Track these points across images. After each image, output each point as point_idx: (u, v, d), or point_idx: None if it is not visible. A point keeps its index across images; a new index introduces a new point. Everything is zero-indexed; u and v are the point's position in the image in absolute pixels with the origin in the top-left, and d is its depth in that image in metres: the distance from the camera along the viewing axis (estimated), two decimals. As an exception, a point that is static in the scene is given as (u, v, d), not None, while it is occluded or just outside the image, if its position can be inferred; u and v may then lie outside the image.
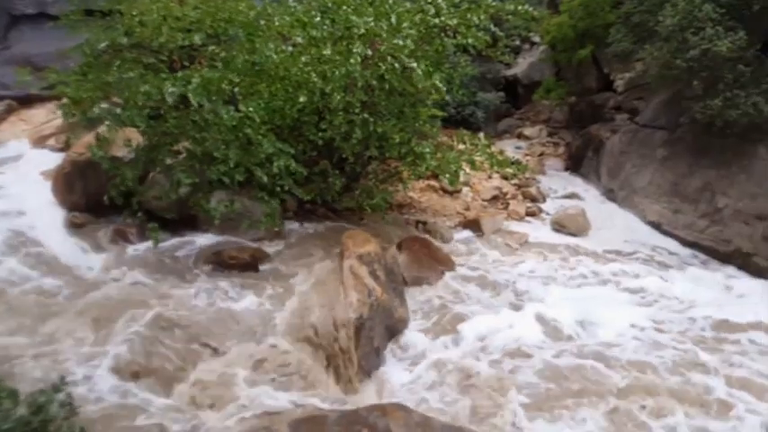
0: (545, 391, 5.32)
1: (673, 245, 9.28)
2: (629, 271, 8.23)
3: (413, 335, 6.01)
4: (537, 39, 16.05)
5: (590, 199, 11.50)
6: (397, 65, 6.39)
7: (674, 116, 9.65)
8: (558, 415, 5.03)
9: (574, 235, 9.54)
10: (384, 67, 6.40)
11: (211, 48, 6.35)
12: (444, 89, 6.67)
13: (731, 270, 8.38)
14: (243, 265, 5.82)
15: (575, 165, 13.22)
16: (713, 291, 7.77)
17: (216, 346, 4.94)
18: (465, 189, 10.41)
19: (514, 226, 9.67)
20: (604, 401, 5.22)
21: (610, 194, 11.35)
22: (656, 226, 9.78)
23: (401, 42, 6.33)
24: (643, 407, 5.17)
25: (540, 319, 6.58)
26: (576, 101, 13.63)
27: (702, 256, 8.87)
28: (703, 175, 9.17)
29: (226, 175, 5.68)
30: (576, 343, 6.21)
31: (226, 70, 5.99)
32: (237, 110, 5.78)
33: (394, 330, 5.93)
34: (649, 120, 10.69)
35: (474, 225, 9.12)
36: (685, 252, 9.06)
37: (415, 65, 6.24)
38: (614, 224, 10.13)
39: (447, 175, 7.22)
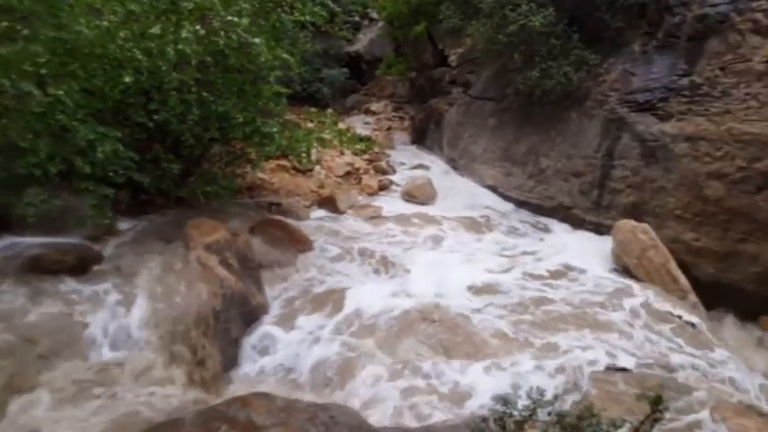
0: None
1: (507, 205, 10.24)
2: (474, 230, 8.96)
3: (273, 320, 5.89)
4: (375, 15, 16.36)
5: (435, 169, 12.19)
6: (234, 37, 6.07)
7: (500, 88, 10.47)
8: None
9: (423, 204, 10.06)
10: (222, 42, 6.04)
11: (4, 23, 5.44)
12: (292, 61, 6.47)
13: (553, 221, 9.46)
14: (69, 269, 5.15)
15: (420, 137, 13.88)
16: (538, 240, 8.72)
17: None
18: (317, 167, 10.39)
19: (368, 200, 9.92)
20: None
21: (452, 164, 12.10)
22: (493, 189, 10.69)
23: (235, 19, 6.00)
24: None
25: (406, 285, 6.82)
26: (416, 76, 14.21)
27: (532, 213, 9.87)
28: (528, 141, 10.12)
29: (38, 168, 4.97)
30: (446, 302, 6.48)
31: (27, 48, 5.19)
32: (47, 94, 5.06)
33: (253, 318, 5.75)
34: (480, 92, 11.50)
35: (329, 202, 9.15)
36: (517, 209, 10.03)
37: (257, 40, 5.96)
38: (458, 191, 10.89)
39: (298, 155, 7.07)
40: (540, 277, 7.41)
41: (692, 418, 4.94)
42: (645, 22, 8.62)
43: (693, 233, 7.79)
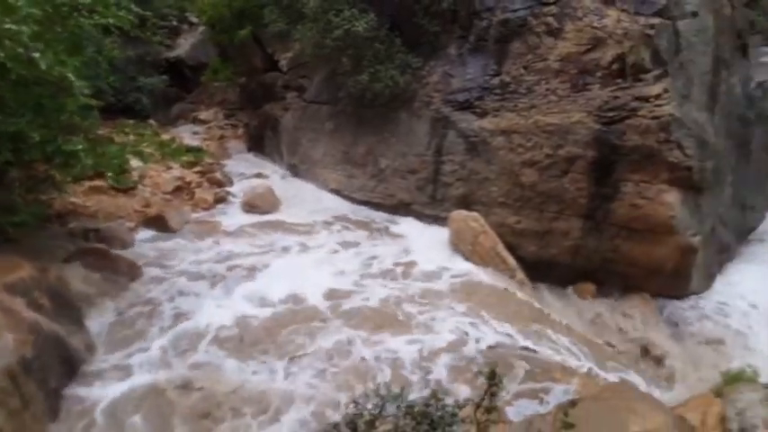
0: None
1: (352, 207, 10.35)
2: (322, 236, 8.90)
3: (99, 364, 5.21)
4: (195, 19, 15.52)
5: (276, 176, 11.91)
6: (21, 50, 5.23)
7: (333, 91, 10.55)
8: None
9: (266, 213, 9.75)
10: (3, 54, 5.17)
11: None
12: (77, 81, 5.70)
13: (396, 218, 9.78)
14: None
15: (256, 145, 13.45)
16: (384, 237, 8.99)
17: None
18: (141, 185, 9.50)
19: (205, 215, 9.34)
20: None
21: (293, 170, 11.92)
22: (338, 192, 10.75)
23: (14, 27, 5.16)
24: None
25: (250, 298, 6.58)
26: (246, 81, 13.73)
27: (376, 211, 10.09)
28: (366, 142, 10.34)
29: None
30: (298, 307, 6.39)
31: None
32: None
33: (74, 363, 5.03)
34: (314, 96, 11.48)
35: (159, 222, 8.43)
36: (362, 210, 10.19)
37: (37, 54, 5.19)
38: (302, 197, 10.75)
39: (111, 173, 6.35)
40: (389, 272, 7.62)
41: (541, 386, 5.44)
42: (458, 27, 9.28)
43: (516, 217, 8.59)
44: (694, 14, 7.90)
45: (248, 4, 11.76)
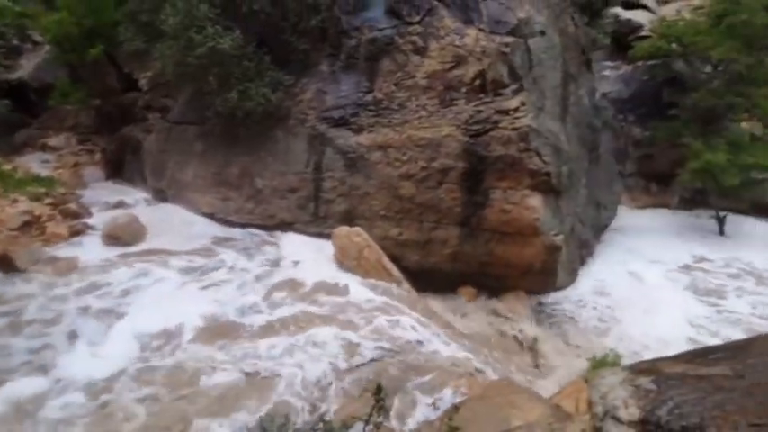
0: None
1: (229, 230, 9.87)
2: (197, 263, 8.37)
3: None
4: (40, 37, 14.05)
5: (141, 203, 11.05)
6: None
7: (200, 111, 10.06)
8: None
9: (130, 244, 8.95)
10: None
11: None
12: None
13: (278, 238, 9.48)
14: None
15: (116, 171, 12.42)
16: (266, 259, 8.70)
17: None
18: (-20, 222, 8.32)
19: (59, 250, 8.38)
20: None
21: (160, 195, 11.16)
22: (212, 216, 10.20)
23: None
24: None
25: (131, 336, 6.09)
26: (101, 103, 12.66)
27: (256, 234, 9.73)
28: (240, 163, 9.96)
29: None
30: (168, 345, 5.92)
31: None
32: None
33: None
34: (180, 116, 10.87)
35: (4, 262, 7.41)
36: (241, 233, 9.77)
37: None
38: (171, 224, 10.03)
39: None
40: (272, 293, 7.38)
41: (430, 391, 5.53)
42: (328, 45, 9.31)
43: (398, 229, 8.76)
44: (543, 33, 8.66)
45: (99, 22, 10.87)
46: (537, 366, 7.62)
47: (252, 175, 9.83)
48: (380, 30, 8.86)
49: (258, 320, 6.69)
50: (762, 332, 8.70)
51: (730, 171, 11.10)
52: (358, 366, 6.14)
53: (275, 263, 8.60)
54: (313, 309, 7.06)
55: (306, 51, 9.32)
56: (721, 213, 12.33)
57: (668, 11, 14.96)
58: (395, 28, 8.78)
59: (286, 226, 9.54)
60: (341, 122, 8.99)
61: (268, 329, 6.48)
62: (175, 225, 10.01)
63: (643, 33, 13.66)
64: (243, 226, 9.90)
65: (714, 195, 12.11)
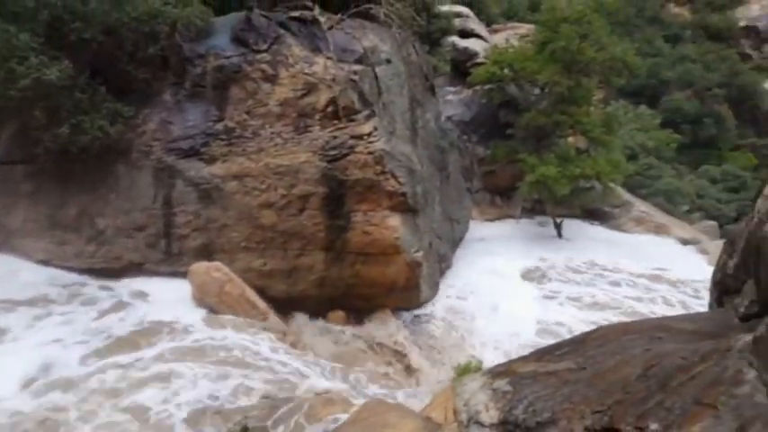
0: None
1: (69, 277, 8.86)
2: (28, 319, 7.45)
3: None
4: None
5: (-41, 256, 9.55)
6: None
7: (28, 148, 8.99)
8: None
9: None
10: None
11: None
12: None
13: (126, 281, 8.72)
14: None
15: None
16: (115, 306, 7.97)
17: None
18: None
19: None
20: None
21: (-17, 243, 9.73)
22: (47, 263, 9.09)
23: None
24: None
25: None
26: None
27: (101, 279, 8.86)
28: (78, 202, 9.06)
29: None
30: None
31: None
32: None
33: None
34: (3, 155, 9.62)
35: None
36: (83, 279, 8.82)
37: None
38: (-1, 275, 8.80)
39: None
40: (121, 344, 6.83)
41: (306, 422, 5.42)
42: (171, 73, 8.90)
43: (261, 259, 8.56)
44: (389, 61, 9.11)
45: None
46: (407, 381, 7.83)
47: (92, 215, 8.97)
48: (227, 57, 8.69)
49: (110, 377, 6.10)
50: (604, 315, 9.85)
51: (561, 182, 12.46)
52: (222, 406, 5.86)
53: (122, 309, 7.91)
54: (168, 350, 6.66)
55: (146, 81, 8.80)
56: (558, 220, 13.75)
57: (499, 39, 16.54)
58: (242, 56, 8.67)
59: (134, 267, 8.82)
60: (191, 153, 8.60)
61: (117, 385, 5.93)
62: (4, 276, 8.78)
63: (479, 60, 14.92)
64: (84, 271, 8.95)
65: (550, 204, 13.48)
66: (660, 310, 9.96)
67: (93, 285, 8.65)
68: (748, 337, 2.96)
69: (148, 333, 7.22)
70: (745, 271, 3.48)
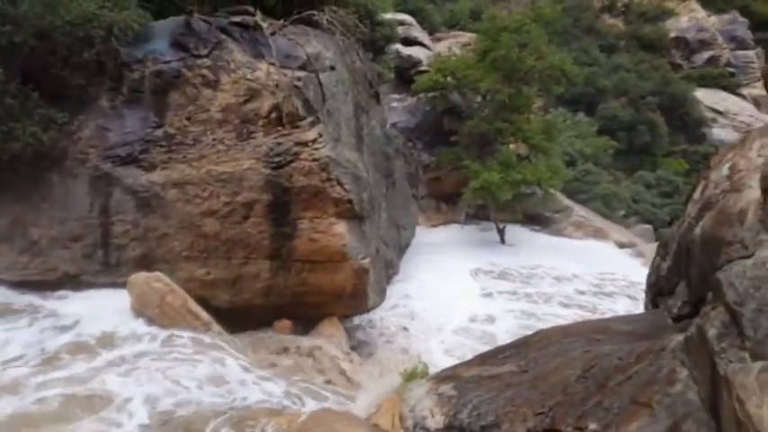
0: None
1: (2, 291, 8.44)
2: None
3: None
4: None
5: None
6: None
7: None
8: None
9: None
10: None
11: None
12: None
13: (62, 293, 8.37)
14: None
15: None
16: (48, 321, 7.64)
17: None
18: None
19: None
20: None
21: None
22: (-24, 276, 8.61)
23: None
24: None
25: None
26: None
27: (35, 291, 8.46)
28: (10, 211, 8.64)
29: None
30: None
31: None
32: None
33: None
34: (-76, 162, 9.06)
35: None
36: (15, 292, 8.40)
37: None
38: None
39: None
40: (49, 361, 6.55)
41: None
42: (107, 79, 8.61)
43: (204, 269, 8.39)
44: (332, 68, 9.13)
45: None
46: (353, 389, 7.83)
47: (25, 225, 8.57)
48: (166, 62, 8.49)
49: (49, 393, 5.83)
50: (539, 316, 10.19)
51: (504, 187, 12.85)
52: (164, 423, 5.71)
53: (57, 322, 7.59)
54: (104, 362, 6.46)
55: (82, 86, 8.49)
56: (501, 225, 14.15)
57: (441, 47, 16.90)
58: (181, 61, 8.49)
59: (71, 279, 8.47)
60: (129, 160, 8.36)
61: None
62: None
63: (422, 68, 15.22)
64: (17, 284, 8.53)
65: (493, 210, 13.86)
66: (600, 312, 10.42)
67: (25, 298, 8.27)
68: (681, 337, 3.13)
69: (84, 346, 6.95)
70: (677, 273, 3.68)
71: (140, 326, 7.50)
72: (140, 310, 7.69)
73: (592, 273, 12.54)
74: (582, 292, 11.59)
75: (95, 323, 7.55)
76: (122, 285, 8.00)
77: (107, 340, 7.18)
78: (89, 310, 7.86)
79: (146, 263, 8.28)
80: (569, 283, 12.00)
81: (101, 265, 8.44)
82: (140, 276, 7.86)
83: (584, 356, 3.63)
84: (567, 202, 16.40)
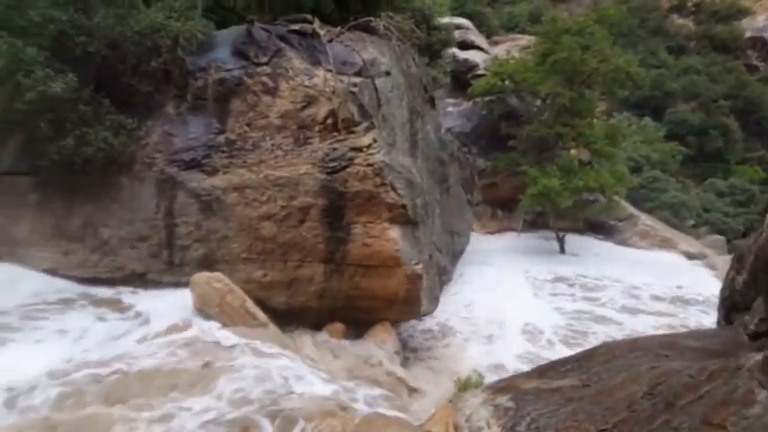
0: None
1: (74, 287, 8.92)
2: (28, 327, 7.47)
3: None
4: None
5: (-33, 264, 9.66)
6: None
7: (33, 160, 9.11)
8: None
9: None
10: None
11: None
12: None
13: (129, 290, 8.77)
14: None
15: (-66, 230, 10.79)
16: (119, 316, 8.01)
17: None
18: None
19: None
20: None
21: (-11, 254, 9.83)
22: (53, 272, 9.17)
23: None
24: None
25: None
26: None
27: (106, 288, 8.91)
28: (82, 212, 9.15)
29: None
30: None
31: None
32: None
33: None
34: (10, 167, 9.74)
35: None
36: (88, 289, 8.87)
37: None
38: (4, 284, 8.83)
39: None
40: (131, 347, 6.89)
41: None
42: (173, 86, 9.00)
43: (261, 270, 8.57)
44: (388, 73, 9.17)
45: None
46: (405, 395, 7.78)
47: (96, 225, 9.06)
48: (228, 70, 8.78)
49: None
50: (599, 329, 9.79)
51: (564, 194, 12.46)
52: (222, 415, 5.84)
53: (125, 317, 7.96)
54: (174, 359, 6.63)
55: (149, 93, 8.91)
56: (560, 233, 13.71)
57: (499, 50, 16.66)
58: (243, 69, 8.76)
59: (138, 277, 8.88)
60: (192, 165, 8.67)
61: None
62: (10, 285, 8.86)
63: (479, 72, 15.02)
64: (88, 281, 9.03)
65: (552, 217, 13.46)
66: (668, 327, 9.90)
67: (96, 294, 8.73)
68: (759, 356, 2.91)
69: (151, 342, 7.21)
70: (754, 288, 3.43)
71: (201, 322, 7.72)
72: (202, 309, 7.92)
73: (659, 284, 11.93)
74: (648, 305, 11.06)
75: (158, 320, 7.84)
76: (185, 284, 8.27)
77: (170, 335, 7.41)
78: (154, 307, 8.19)
79: (207, 263, 8.55)
80: (635, 294, 11.47)
81: (165, 264, 8.79)
82: (202, 276, 8.11)
83: (652, 373, 3.45)
84: (631, 210, 15.73)
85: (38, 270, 9.26)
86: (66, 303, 8.35)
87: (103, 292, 8.78)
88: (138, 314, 8.01)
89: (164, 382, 6.21)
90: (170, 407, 5.81)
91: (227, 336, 7.36)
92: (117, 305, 8.38)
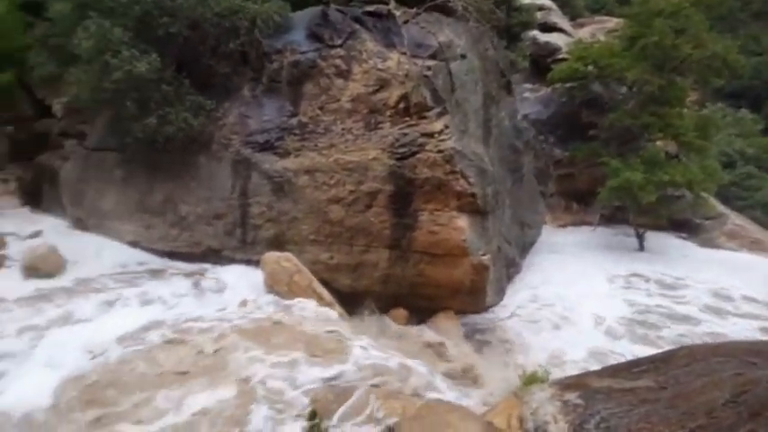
0: None
1: (154, 259, 9.46)
2: (121, 294, 7.94)
3: None
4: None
5: (60, 233, 10.44)
6: None
7: (119, 137, 9.66)
8: None
9: (51, 275, 8.46)
10: None
11: None
12: None
13: (206, 266, 9.11)
14: None
15: (33, 200, 11.78)
16: (195, 289, 8.35)
17: None
18: None
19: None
20: None
21: (80, 224, 10.59)
22: (135, 244, 9.75)
23: None
24: None
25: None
26: (14, 130, 12.01)
27: (183, 262, 9.34)
28: (163, 189, 9.62)
29: None
30: None
31: None
32: None
33: None
34: (98, 143, 10.42)
35: None
36: (167, 261, 9.36)
37: None
38: (91, 254, 9.49)
39: None
40: (204, 320, 7.05)
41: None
42: (249, 68, 9.20)
43: (328, 253, 8.67)
44: (463, 56, 8.91)
45: (10, 47, 10.31)
46: (470, 384, 7.65)
47: (176, 202, 9.50)
48: (303, 53, 8.84)
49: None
50: (678, 332, 9.19)
51: (647, 188, 11.71)
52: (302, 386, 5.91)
53: (204, 290, 8.30)
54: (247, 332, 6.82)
55: (227, 75, 9.16)
56: (640, 230, 12.94)
57: (584, 33, 15.83)
58: (317, 51, 8.79)
59: (213, 253, 9.24)
60: (266, 147, 8.86)
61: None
62: (96, 255, 9.49)
63: (560, 56, 14.35)
64: (167, 254, 9.52)
65: (633, 212, 12.71)
66: (755, 336, 9.15)
67: (174, 267, 9.17)
68: None
69: (227, 313, 7.47)
70: None
71: (273, 299, 7.92)
72: (271, 286, 8.13)
73: (748, 289, 11.03)
74: (736, 310, 10.25)
75: (234, 294, 8.12)
76: (256, 263, 8.54)
77: (245, 309, 7.64)
78: (229, 283, 8.51)
79: (277, 243, 8.75)
80: (720, 297, 10.67)
81: (239, 242, 9.08)
82: (272, 255, 8.32)
83: (736, 379, 3.20)
84: (721, 208, 14.60)
85: (122, 242, 9.88)
86: (155, 273, 8.84)
87: (183, 266, 9.22)
88: (224, 285, 8.34)
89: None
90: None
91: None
92: (203, 276, 8.78)
